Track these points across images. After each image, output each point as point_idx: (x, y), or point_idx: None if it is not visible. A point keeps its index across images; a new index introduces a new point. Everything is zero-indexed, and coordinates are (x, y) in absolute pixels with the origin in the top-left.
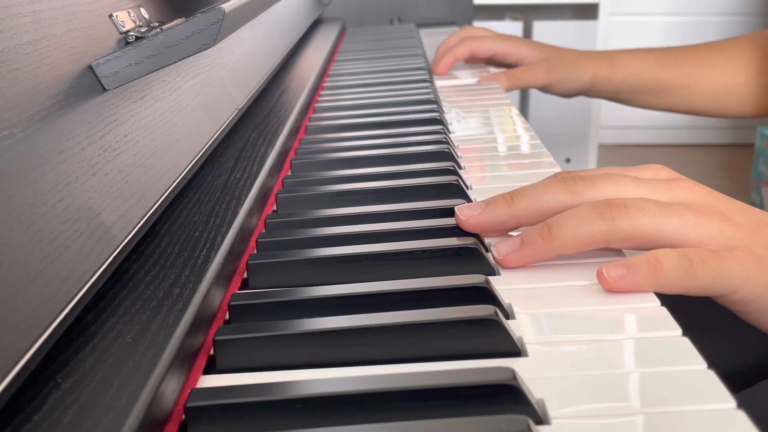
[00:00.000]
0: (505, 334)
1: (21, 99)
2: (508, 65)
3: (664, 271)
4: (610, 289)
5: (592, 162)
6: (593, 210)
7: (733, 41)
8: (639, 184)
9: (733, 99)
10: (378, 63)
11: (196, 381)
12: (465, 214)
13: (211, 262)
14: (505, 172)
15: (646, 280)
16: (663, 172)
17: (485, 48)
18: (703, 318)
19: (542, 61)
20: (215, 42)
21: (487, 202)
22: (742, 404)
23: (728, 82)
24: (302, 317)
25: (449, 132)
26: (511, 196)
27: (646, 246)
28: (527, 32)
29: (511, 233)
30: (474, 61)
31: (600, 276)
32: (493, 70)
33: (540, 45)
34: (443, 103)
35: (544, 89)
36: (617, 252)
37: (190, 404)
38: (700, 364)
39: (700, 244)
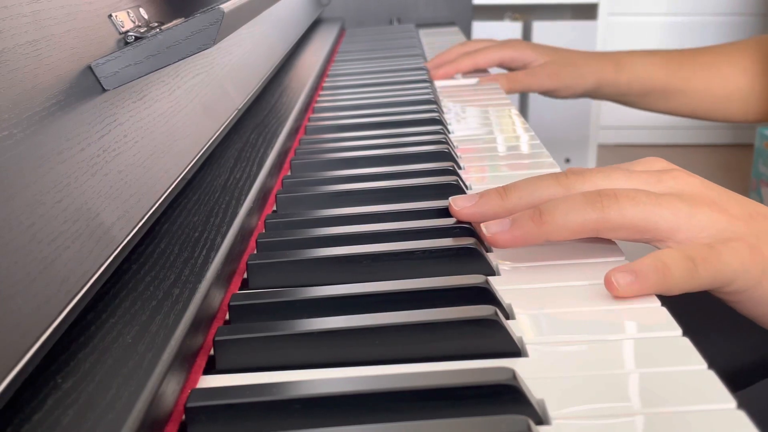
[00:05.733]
0: (505, 334)
1: (21, 99)
2: (513, 70)
3: (672, 274)
4: (619, 295)
5: (591, 162)
6: (584, 199)
7: (737, 45)
8: (630, 176)
9: (736, 103)
10: (377, 63)
11: (196, 381)
12: (459, 204)
13: (211, 262)
14: (504, 172)
15: (655, 284)
16: (657, 163)
17: (489, 59)
18: (703, 318)
19: (546, 66)
20: (214, 42)
21: (481, 195)
22: (742, 404)
23: (732, 86)
24: (302, 317)
25: (449, 132)
26: (504, 190)
27: (636, 236)
28: (527, 32)
29: None
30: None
31: (608, 283)
32: (493, 71)
33: (544, 48)
34: (443, 103)
35: (548, 94)
36: (613, 249)
37: (190, 404)
38: (700, 364)
39: (692, 235)
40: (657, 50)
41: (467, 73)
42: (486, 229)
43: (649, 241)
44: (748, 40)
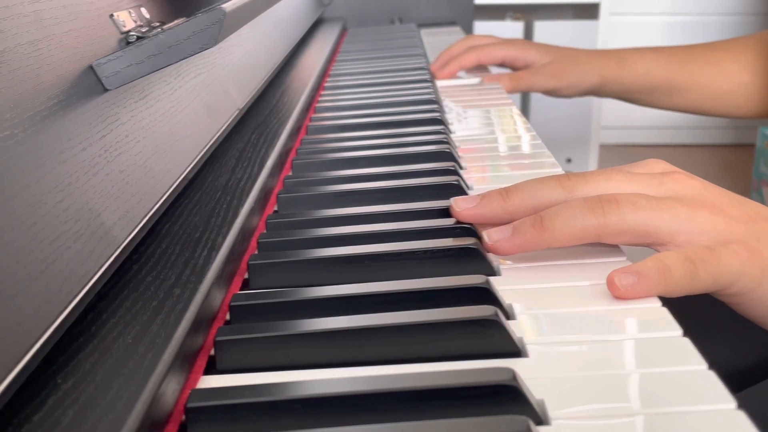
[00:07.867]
0: (505, 334)
1: (22, 99)
2: (516, 69)
3: (673, 276)
4: (621, 296)
5: (593, 162)
6: (585, 205)
7: (740, 41)
8: (631, 179)
9: (739, 99)
10: (379, 63)
11: (196, 381)
12: (460, 206)
13: (212, 262)
14: (505, 172)
15: (657, 286)
16: (658, 165)
17: (493, 56)
18: (703, 318)
19: (549, 65)
20: (216, 42)
21: (483, 196)
22: (742, 404)
23: (735, 82)
24: (303, 318)
25: (450, 132)
26: (506, 191)
27: (638, 241)
28: (528, 32)
29: None
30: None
31: (611, 284)
32: (495, 71)
33: (547, 47)
34: (444, 103)
35: (551, 93)
36: (614, 249)
37: (190, 405)
38: (700, 364)
39: (692, 238)
40: (660, 47)
41: (470, 69)
42: (487, 237)
43: (650, 245)
44: (750, 36)
